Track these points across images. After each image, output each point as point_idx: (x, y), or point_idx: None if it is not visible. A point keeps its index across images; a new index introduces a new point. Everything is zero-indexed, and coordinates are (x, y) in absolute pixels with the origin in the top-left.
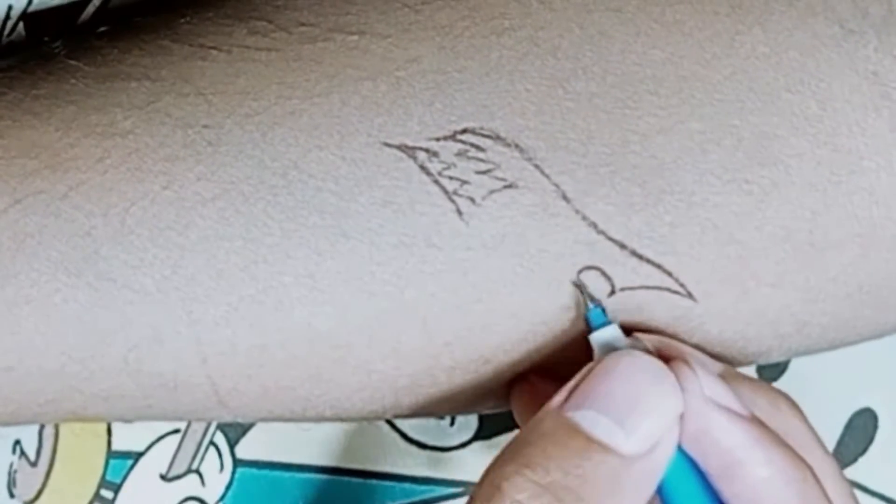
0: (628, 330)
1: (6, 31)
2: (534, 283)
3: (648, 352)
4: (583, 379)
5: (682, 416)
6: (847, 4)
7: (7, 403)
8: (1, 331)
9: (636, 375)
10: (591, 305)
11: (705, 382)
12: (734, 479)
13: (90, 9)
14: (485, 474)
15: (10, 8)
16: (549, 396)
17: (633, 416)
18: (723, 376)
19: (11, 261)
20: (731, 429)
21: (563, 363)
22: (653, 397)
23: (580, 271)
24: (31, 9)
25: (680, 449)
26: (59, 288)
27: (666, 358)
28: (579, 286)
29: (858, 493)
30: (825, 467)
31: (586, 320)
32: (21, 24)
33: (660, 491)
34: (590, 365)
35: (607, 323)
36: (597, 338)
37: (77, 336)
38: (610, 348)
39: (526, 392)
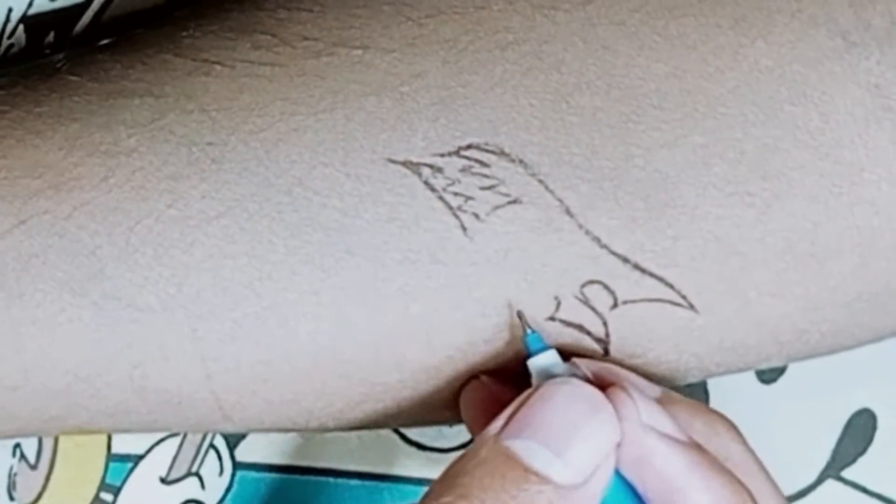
0: (566, 355)
1: (6, 34)
2: (537, 298)
3: (586, 378)
4: (520, 406)
5: (619, 443)
6: (849, 17)
7: (13, 420)
8: (6, 350)
9: (573, 404)
10: (528, 331)
11: (643, 408)
12: None
13: (89, 13)
14: (421, 501)
15: (10, 11)
16: (497, 398)
17: (571, 446)
18: (660, 400)
19: (16, 281)
20: (669, 455)
21: None
22: (590, 427)
23: (583, 285)
24: (31, 12)
25: (619, 474)
26: (64, 307)
27: (604, 383)
28: (519, 314)
29: (858, 493)
30: (764, 490)
31: (524, 345)
32: (21, 27)
33: None
34: (527, 392)
35: (545, 348)
36: (535, 363)
37: (82, 355)
38: (548, 374)
39: (475, 391)
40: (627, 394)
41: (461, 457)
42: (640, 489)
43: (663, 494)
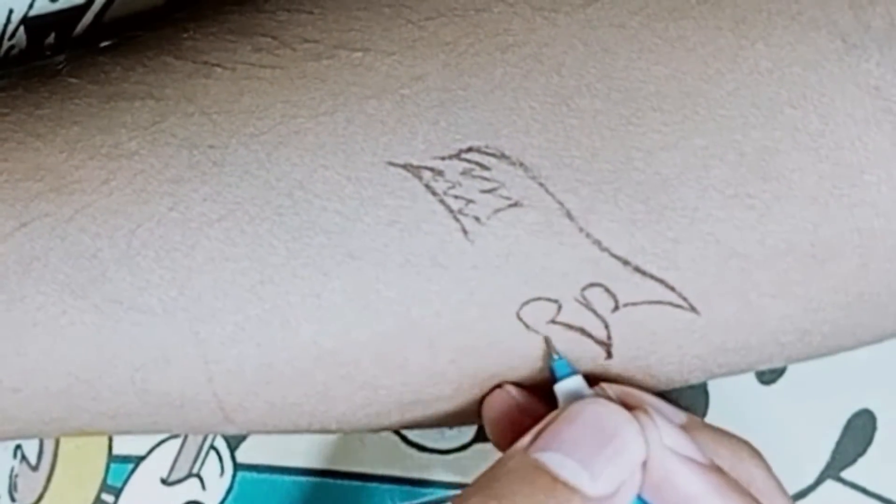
0: (593, 381)
1: (7, 35)
2: (538, 301)
3: (612, 401)
4: (549, 423)
5: (644, 465)
6: (849, 19)
7: (13, 422)
8: (8, 353)
9: (602, 420)
10: (556, 357)
11: (665, 431)
12: None
13: (90, 14)
14: None
15: (10, 12)
16: (521, 407)
17: (599, 459)
18: (685, 426)
19: (18, 284)
20: (691, 478)
21: None
22: (617, 442)
23: (584, 288)
24: (32, 13)
25: (640, 498)
26: (65, 310)
27: (628, 407)
28: (546, 339)
29: (857, 494)
30: None
31: (551, 371)
32: (22, 28)
33: None
34: (556, 411)
35: (572, 373)
36: (561, 388)
37: (84, 357)
38: (575, 397)
39: (499, 400)
40: (650, 417)
41: (490, 467)
42: None
43: None
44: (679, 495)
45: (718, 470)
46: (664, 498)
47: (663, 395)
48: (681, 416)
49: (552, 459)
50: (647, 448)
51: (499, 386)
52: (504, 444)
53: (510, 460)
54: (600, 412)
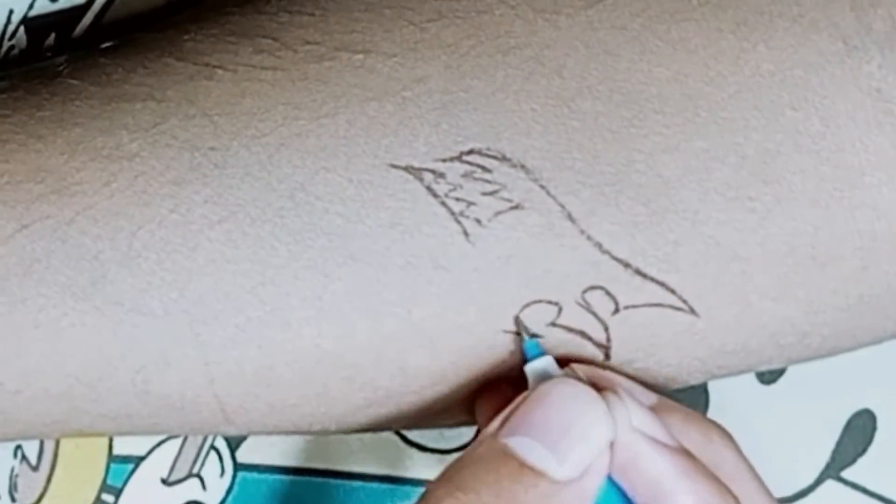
0: (563, 362)
1: (7, 35)
2: (539, 304)
3: (581, 381)
4: (517, 406)
5: (612, 445)
6: (851, 21)
7: (14, 424)
8: (9, 355)
9: (568, 402)
10: (526, 337)
11: (634, 413)
12: None
13: (90, 14)
14: (420, 497)
15: (10, 12)
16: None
17: (565, 442)
18: (655, 408)
19: (19, 286)
20: (657, 459)
21: None
22: (584, 424)
23: (584, 291)
24: (32, 13)
25: (609, 478)
26: (66, 312)
27: (599, 388)
28: (517, 320)
29: (857, 494)
30: (757, 499)
31: (522, 352)
32: (22, 28)
33: None
34: (525, 393)
35: (542, 354)
36: (531, 368)
37: (84, 359)
38: (544, 378)
39: (490, 394)
40: (619, 397)
41: (460, 455)
42: (630, 493)
43: (651, 498)
44: (645, 477)
45: (686, 452)
46: (631, 479)
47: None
48: (651, 398)
49: (520, 444)
50: (614, 429)
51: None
52: None
53: (479, 446)
54: (567, 393)
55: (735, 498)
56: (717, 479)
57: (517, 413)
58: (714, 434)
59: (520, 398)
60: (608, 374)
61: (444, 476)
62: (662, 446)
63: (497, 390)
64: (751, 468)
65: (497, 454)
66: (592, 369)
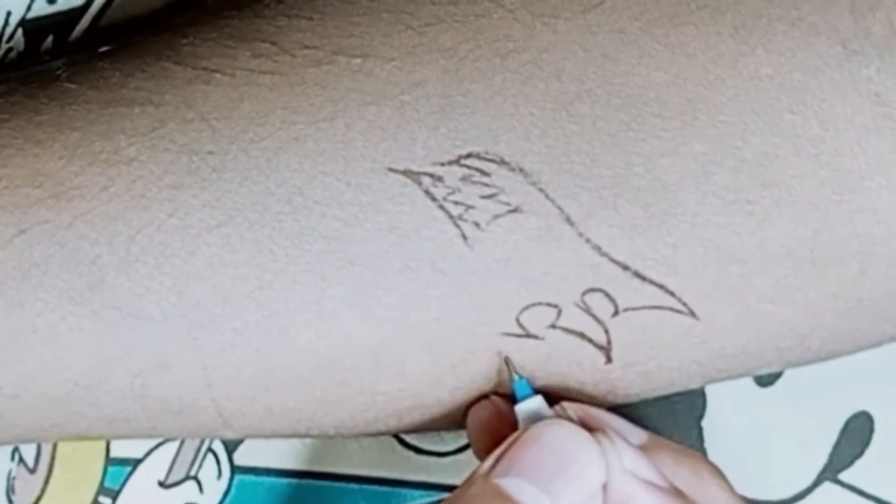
0: (553, 400)
1: (5, 38)
2: (538, 306)
3: (573, 421)
4: (509, 446)
5: (604, 488)
6: (849, 25)
7: (12, 428)
8: (7, 359)
9: (561, 443)
10: (516, 377)
11: (625, 454)
12: None
13: (87, 17)
14: None
15: (8, 14)
16: (505, 418)
17: (558, 483)
18: (646, 446)
19: (17, 290)
20: (650, 502)
21: None
22: (578, 466)
23: (583, 293)
24: (30, 15)
25: None
26: (64, 316)
27: (589, 428)
28: (506, 360)
29: (855, 496)
30: None
31: (511, 392)
32: (20, 31)
33: None
34: (516, 433)
35: (532, 394)
36: (522, 409)
37: (83, 364)
38: (535, 418)
39: (482, 410)
40: (610, 439)
41: (452, 494)
42: None
43: None
44: None
45: (678, 493)
46: None
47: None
48: (641, 436)
49: (512, 485)
50: (606, 471)
51: (485, 397)
52: (484, 453)
53: (472, 486)
54: (559, 434)
55: None
56: None
57: (510, 453)
58: (705, 472)
59: (511, 438)
60: (598, 412)
61: None
62: (654, 488)
63: (485, 405)
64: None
65: (490, 495)
66: (583, 408)
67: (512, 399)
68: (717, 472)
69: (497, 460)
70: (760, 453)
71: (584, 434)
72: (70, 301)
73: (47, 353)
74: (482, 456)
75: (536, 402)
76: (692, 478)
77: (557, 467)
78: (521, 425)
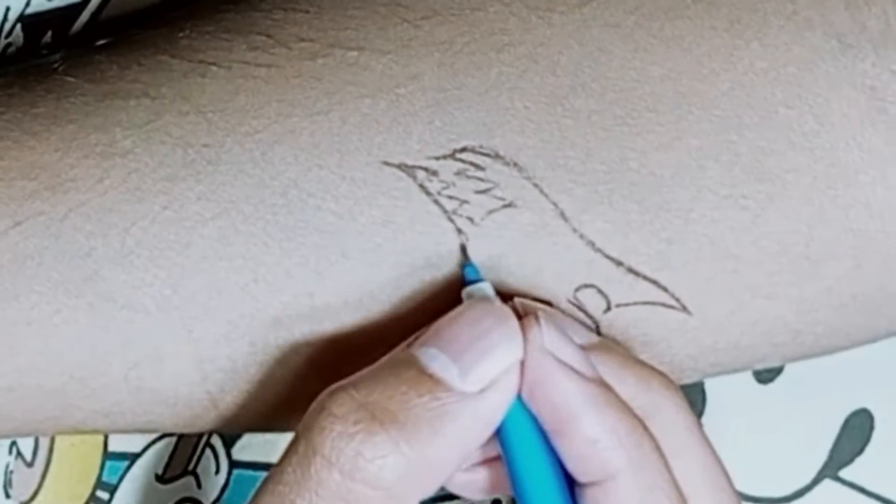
0: (506, 297)
1: (3, 33)
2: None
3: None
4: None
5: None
6: (845, 19)
7: (7, 421)
8: (2, 351)
9: (479, 319)
10: (465, 263)
11: (549, 336)
12: (564, 435)
13: (86, 12)
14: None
15: (7, 10)
16: None
17: (469, 354)
18: (593, 346)
19: (12, 282)
20: (566, 384)
21: None
22: (491, 339)
23: (576, 289)
24: (29, 11)
25: (520, 401)
26: (59, 309)
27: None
28: (462, 245)
29: (855, 493)
30: (693, 452)
31: (462, 277)
32: (18, 26)
33: (499, 440)
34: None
35: (481, 280)
36: (467, 292)
37: (78, 356)
38: None
39: None
40: (536, 320)
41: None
42: (537, 416)
43: (556, 423)
44: (550, 400)
45: (601, 383)
46: (536, 401)
47: None
48: (591, 337)
49: (425, 354)
50: (522, 348)
51: None
52: None
53: (388, 357)
54: (481, 311)
55: (650, 435)
56: (629, 413)
57: (431, 327)
58: (654, 381)
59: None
60: (546, 307)
61: (351, 378)
62: (573, 372)
63: None
64: (694, 422)
65: (402, 362)
66: (532, 303)
67: (461, 284)
68: (671, 386)
69: (421, 334)
70: (760, 450)
71: (506, 311)
72: (65, 293)
73: (42, 346)
74: None
75: (483, 287)
76: (637, 384)
77: (471, 340)
78: None
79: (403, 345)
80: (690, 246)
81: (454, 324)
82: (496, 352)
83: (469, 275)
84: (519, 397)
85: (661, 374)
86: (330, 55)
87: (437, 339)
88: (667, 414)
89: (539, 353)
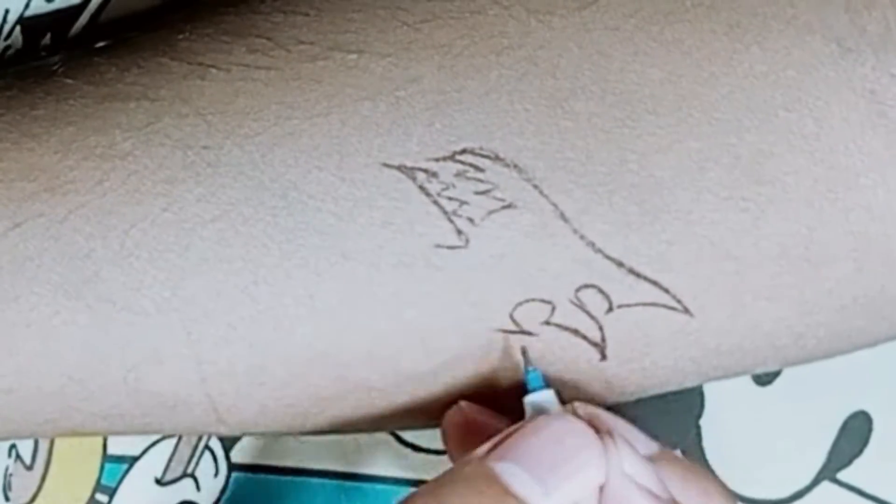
0: (564, 400)
1: (3, 35)
2: (532, 302)
3: (580, 419)
4: (511, 433)
5: (601, 490)
6: (844, 22)
7: (7, 423)
8: (1, 353)
9: (563, 437)
10: (529, 369)
11: (627, 458)
12: None
13: (86, 14)
14: (402, 501)
15: (6, 12)
16: (477, 424)
17: (554, 476)
18: (654, 457)
19: (11, 284)
20: None
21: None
22: (576, 461)
23: (577, 289)
24: (28, 13)
25: None
26: (58, 310)
27: (596, 430)
28: (523, 350)
29: (853, 495)
30: None
31: (524, 383)
32: (18, 28)
33: None
34: (521, 422)
35: (544, 387)
36: (531, 400)
37: (77, 358)
38: (543, 412)
39: (455, 417)
40: (613, 441)
41: (446, 471)
42: None
43: None
44: None
45: None
46: None
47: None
48: (652, 447)
49: (506, 470)
50: (605, 471)
51: (456, 403)
52: (458, 457)
53: (465, 466)
54: (564, 428)
55: None
56: None
57: (510, 440)
58: (714, 492)
59: (515, 426)
60: (609, 416)
61: (427, 489)
62: (652, 496)
63: (457, 413)
64: None
65: (483, 476)
66: (594, 409)
67: (523, 391)
68: (725, 492)
69: (496, 445)
70: (759, 452)
71: (589, 432)
72: (64, 295)
73: (41, 347)
74: (454, 459)
75: (547, 396)
76: (700, 497)
77: (556, 460)
78: (527, 417)
79: (479, 452)
80: (691, 248)
81: (536, 439)
82: (581, 475)
83: (532, 382)
84: None
85: (718, 481)
86: (329, 58)
87: (518, 454)
88: None
89: (621, 478)
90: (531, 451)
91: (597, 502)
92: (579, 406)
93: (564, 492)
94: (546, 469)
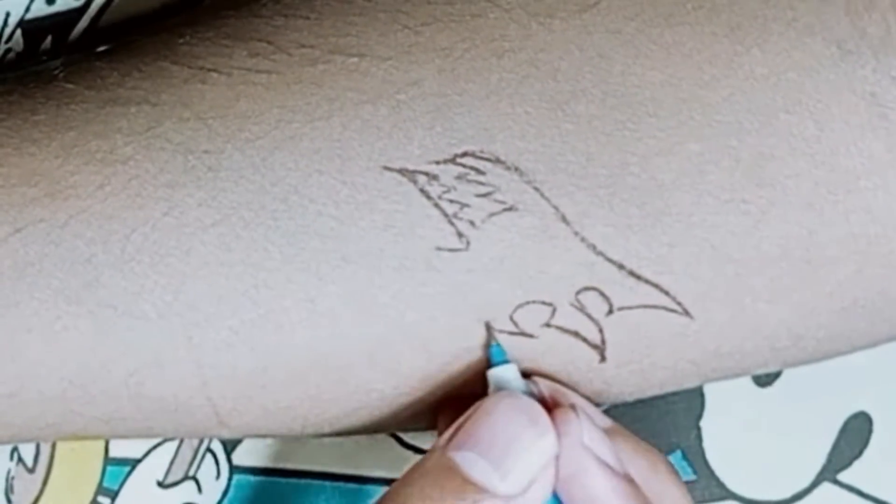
0: (528, 374)
1: (3, 38)
2: (533, 305)
3: (541, 396)
4: (466, 419)
5: (558, 459)
6: (845, 25)
7: (8, 427)
8: (2, 358)
9: (513, 417)
10: (493, 343)
11: (587, 431)
12: None
13: (86, 18)
14: None
15: (7, 15)
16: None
17: (508, 457)
18: (608, 431)
19: (12, 289)
20: (600, 480)
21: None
22: (527, 439)
23: (578, 292)
24: (29, 16)
25: (555, 495)
26: (60, 315)
27: (558, 404)
28: (487, 325)
29: (854, 496)
30: None
31: (488, 357)
32: (18, 32)
33: None
34: (477, 403)
35: (506, 362)
36: (493, 374)
37: (78, 363)
38: (504, 387)
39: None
40: (575, 413)
41: (410, 468)
42: None
43: None
44: (586, 495)
45: (630, 480)
46: (571, 495)
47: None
48: (605, 421)
49: (464, 459)
50: (558, 443)
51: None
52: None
53: (428, 460)
54: (512, 407)
55: None
56: None
57: (466, 426)
58: (661, 466)
59: (472, 408)
60: (569, 392)
61: (394, 488)
62: (608, 468)
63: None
64: None
65: (443, 469)
66: (555, 385)
67: (487, 365)
68: (674, 471)
69: (455, 432)
70: (759, 453)
71: (535, 406)
72: (65, 300)
73: (42, 352)
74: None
75: (508, 370)
76: (648, 470)
77: (507, 441)
78: (490, 392)
79: (440, 443)
80: (691, 250)
81: (487, 423)
82: (533, 451)
83: (495, 356)
84: (554, 493)
85: (666, 458)
86: (330, 61)
87: (473, 440)
88: (671, 500)
89: (578, 448)
90: (484, 435)
91: (554, 473)
92: (539, 380)
93: (520, 471)
94: (499, 451)
